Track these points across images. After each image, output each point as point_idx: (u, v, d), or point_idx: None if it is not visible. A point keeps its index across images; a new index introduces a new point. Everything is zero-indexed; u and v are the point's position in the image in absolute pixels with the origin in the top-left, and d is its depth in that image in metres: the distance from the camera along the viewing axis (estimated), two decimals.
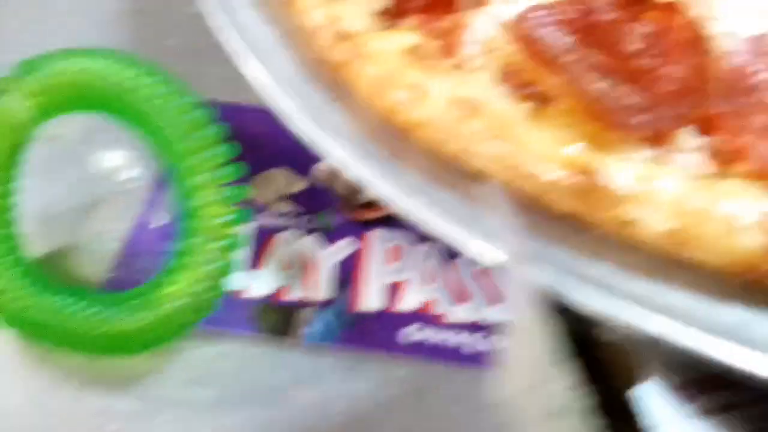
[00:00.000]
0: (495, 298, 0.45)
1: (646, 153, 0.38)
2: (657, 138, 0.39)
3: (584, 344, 0.36)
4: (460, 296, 0.46)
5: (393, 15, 0.47)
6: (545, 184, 0.38)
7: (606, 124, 0.38)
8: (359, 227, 0.48)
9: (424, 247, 0.48)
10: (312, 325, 0.44)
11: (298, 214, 0.48)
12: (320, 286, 0.45)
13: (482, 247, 0.36)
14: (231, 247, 0.41)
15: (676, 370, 0.35)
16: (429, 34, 0.45)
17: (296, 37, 0.48)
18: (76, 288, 0.44)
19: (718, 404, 0.35)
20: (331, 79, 0.45)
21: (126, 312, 0.40)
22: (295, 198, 0.49)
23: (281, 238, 0.47)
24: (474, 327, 0.44)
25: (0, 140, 0.42)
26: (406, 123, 0.42)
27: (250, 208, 0.47)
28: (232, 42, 0.46)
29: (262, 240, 0.47)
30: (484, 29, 0.44)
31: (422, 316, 0.44)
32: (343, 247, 0.47)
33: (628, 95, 0.40)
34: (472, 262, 0.39)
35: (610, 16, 0.44)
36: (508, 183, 0.39)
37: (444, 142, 0.41)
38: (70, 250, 0.47)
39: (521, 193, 0.39)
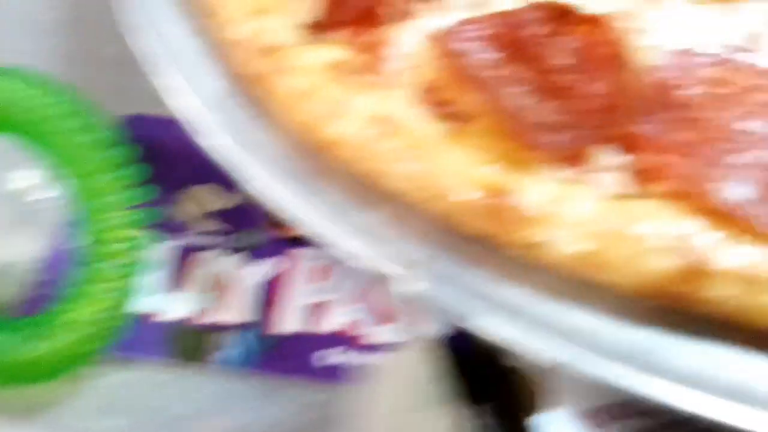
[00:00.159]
0: (417, 319, 0.44)
1: (565, 173, 0.37)
2: (575, 157, 0.37)
3: (492, 370, 0.35)
4: (385, 317, 0.44)
5: (322, 28, 0.45)
6: (457, 205, 0.37)
7: (521, 144, 0.37)
8: (287, 245, 0.47)
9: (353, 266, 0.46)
10: (228, 349, 0.42)
11: (224, 233, 0.47)
12: (240, 308, 0.44)
13: (392, 270, 0.35)
14: (135, 273, 0.39)
15: (586, 396, 0.34)
16: (355, 48, 0.44)
17: (222, 50, 0.47)
18: None
19: (629, 431, 0.34)
20: (254, 94, 0.44)
21: (25, 340, 0.39)
22: (220, 215, 0.48)
23: (203, 258, 0.46)
24: (396, 348, 0.43)
25: None
26: (322, 140, 0.41)
27: (162, 231, 0.46)
28: (153, 55, 0.45)
29: (183, 260, 0.46)
30: (410, 44, 0.43)
31: (342, 338, 0.43)
32: (267, 267, 0.46)
33: (545, 113, 0.39)
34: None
35: (538, 30, 0.43)
36: (422, 203, 0.38)
37: (360, 161, 0.39)
38: None
39: (435, 214, 0.38)
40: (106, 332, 0.40)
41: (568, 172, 0.37)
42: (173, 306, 0.45)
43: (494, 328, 0.33)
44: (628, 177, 0.37)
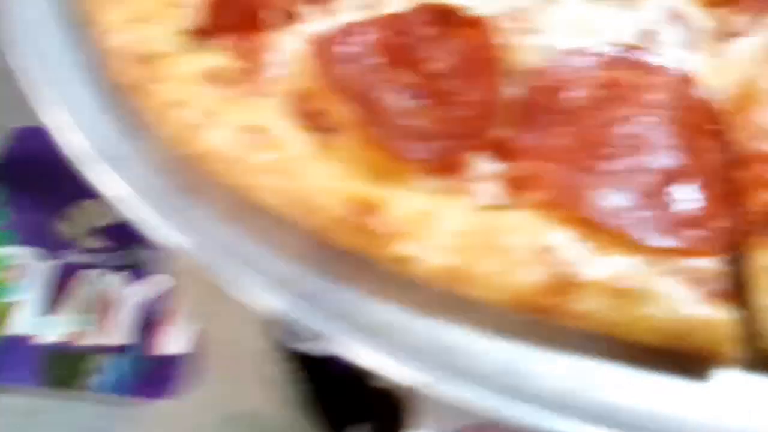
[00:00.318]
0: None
1: (438, 183, 0.36)
2: (450, 166, 0.36)
3: (366, 391, 0.33)
4: None
5: (205, 34, 0.44)
6: (327, 220, 0.35)
7: (391, 155, 0.36)
8: (174, 262, 0.45)
9: None
10: (104, 373, 0.41)
11: (109, 250, 0.45)
12: (119, 330, 0.42)
13: (252, 290, 0.33)
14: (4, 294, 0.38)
15: (454, 416, 0.33)
16: (237, 55, 0.42)
17: (101, 61, 0.45)
18: None
19: None
20: (131, 105, 0.42)
21: None
22: (107, 232, 0.46)
23: (85, 276, 0.44)
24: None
25: None
26: (194, 152, 0.39)
27: (43, 248, 0.44)
28: (27, 69, 0.43)
29: (65, 279, 0.44)
30: (290, 49, 0.41)
31: None
32: (152, 285, 0.44)
33: (423, 120, 0.37)
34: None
35: (424, 33, 0.41)
36: (293, 218, 0.36)
37: (230, 174, 0.38)
38: None
39: (308, 229, 0.36)
40: None
41: (442, 182, 0.36)
42: (49, 328, 0.43)
43: (354, 349, 0.31)
44: (502, 186, 0.35)
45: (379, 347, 0.32)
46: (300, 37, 0.41)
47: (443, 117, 0.37)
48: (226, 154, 0.38)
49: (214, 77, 0.41)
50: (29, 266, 0.41)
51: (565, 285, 0.32)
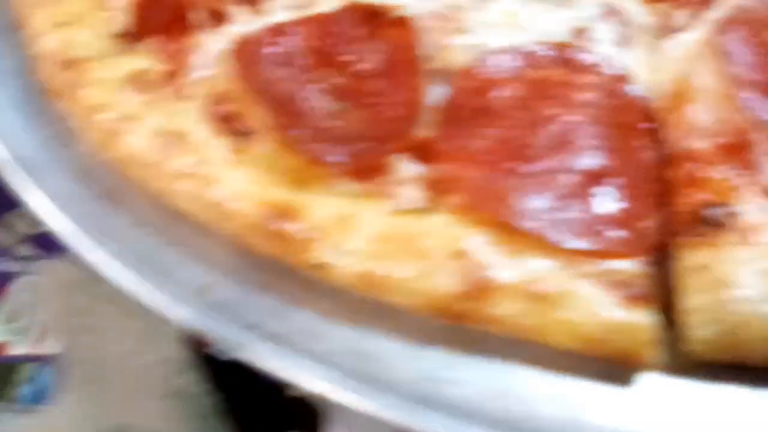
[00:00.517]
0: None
1: (358, 186, 0.35)
2: (371, 169, 0.35)
3: (273, 401, 0.32)
4: None
5: (133, 37, 0.43)
6: (243, 226, 0.34)
7: (308, 159, 0.35)
8: None
9: None
10: (30, 383, 0.40)
11: (42, 258, 0.44)
12: (50, 338, 0.41)
13: (161, 299, 0.33)
14: None
15: (367, 426, 0.32)
16: (163, 58, 0.41)
17: (30, 66, 0.44)
18: None
19: None
20: (59, 111, 0.42)
21: None
22: (38, 240, 0.45)
23: (16, 285, 0.43)
24: None
25: None
26: (115, 158, 0.38)
27: None
28: None
29: None
30: (215, 51, 0.40)
31: None
32: None
33: (346, 122, 0.36)
34: None
35: (352, 33, 0.40)
36: (211, 224, 0.35)
37: (148, 179, 0.37)
38: None
39: (227, 236, 0.35)
40: None
41: (363, 186, 0.35)
42: None
43: (265, 357, 0.31)
44: (423, 189, 0.35)
45: (291, 355, 0.31)
46: (227, 38, 0.41)
47: (366, 118, 0.36)
48: (144, 159, 0.37)
49: (138, 81, 0.40)
50: None
51: (481, 289, 0.31)
